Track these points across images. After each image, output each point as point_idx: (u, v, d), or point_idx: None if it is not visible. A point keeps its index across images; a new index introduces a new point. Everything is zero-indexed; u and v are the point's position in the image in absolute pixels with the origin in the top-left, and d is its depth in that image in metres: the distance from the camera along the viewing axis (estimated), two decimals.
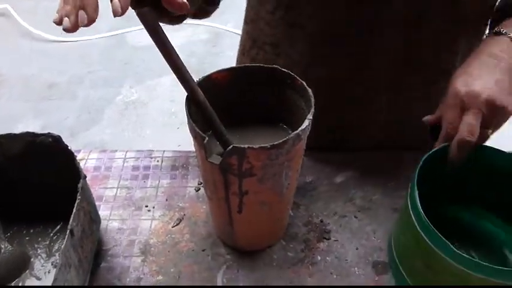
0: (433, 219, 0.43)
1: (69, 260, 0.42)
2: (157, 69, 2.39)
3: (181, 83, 0.42)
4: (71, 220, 0.43)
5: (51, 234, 0.54)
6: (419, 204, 0.44)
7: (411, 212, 0.46)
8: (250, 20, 0.65)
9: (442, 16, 0.56)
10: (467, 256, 0.40)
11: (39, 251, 0.53)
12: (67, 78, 2.39)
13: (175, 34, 2.80)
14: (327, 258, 0.55)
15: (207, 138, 0.40)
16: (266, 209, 0.48)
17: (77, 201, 0.45)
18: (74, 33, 0.32)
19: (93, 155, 0.68)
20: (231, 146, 0.39)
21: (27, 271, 0.51)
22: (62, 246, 0.41)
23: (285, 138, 0.40)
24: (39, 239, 0.54)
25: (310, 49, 0.60)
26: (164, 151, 0.69)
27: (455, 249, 0.41)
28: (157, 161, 0.67)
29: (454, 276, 0.43)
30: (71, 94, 2.29)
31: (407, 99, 0.64)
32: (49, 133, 0.49)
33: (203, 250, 0.56)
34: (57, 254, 0.52)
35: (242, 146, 0.39)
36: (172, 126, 2.11)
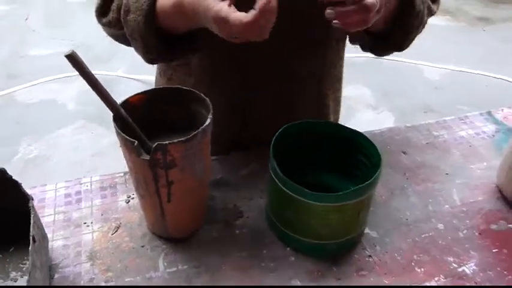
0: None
1: (35, 262, 0.51)
2: (54, 122, 2.39)
3: (108, 105, 0.54)
4: (31, 229, 0.52)
5: (5, 259, 0.61)
6: (275, 164, 0.61)
7: (272, 173, 0.63)
8: None
9: (298, 38, 0.74)
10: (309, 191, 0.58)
11: None
12: None
13: (67, 86, 2.80)
14: (244, 230, 0.69)
15: (136, 142, 0.53)
16: (190, 195, 0.62)
17: (32, 216, 0.54)
18: None
19: None
20: (156, 143, 0.52)
21: None
22: (30, 249, 0.50)
23: (195, 132, 0.54)
24: None
25: (211, 67, 0.77)
26: (92, 176, 0.79)
27: (306, 190, 0.58)
28: (87, 185, 0.77)
29: (308, 211, 0.61)
30: None
31: (288, 104, 0.82)
32: None
33: (142, 246, 0.67)
34: (13, 272, 0.60)
35: (164, 142, 0.53)
36: (78, 175, 2.11)
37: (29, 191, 0.75)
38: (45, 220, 0.70)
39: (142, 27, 0.61)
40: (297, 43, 0.75)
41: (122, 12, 0.63)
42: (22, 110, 2.48)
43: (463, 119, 0.97)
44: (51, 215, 0.72)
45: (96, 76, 0.52)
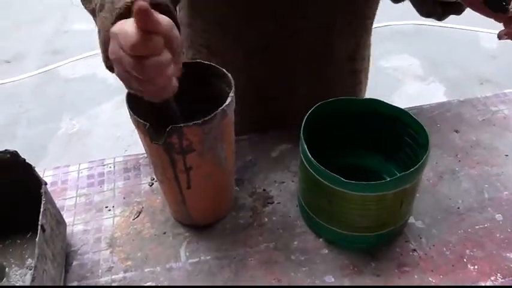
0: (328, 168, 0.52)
1: (44, 252, 0.48)
2: (96, 97, 2.40)
3: None
4: (40, 218, 0.49)
5: (23, 245, 0.59)
6: (306, 149, 0.53)
7: (303, 158, 0.55)
8: (185, 24, 0.74)
9: (346, 17, 0.69)
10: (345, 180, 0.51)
11: (12, 260, 0.57)
12: (1, 120, 2.34)
13: None
14: (273, 218, 0.63)
15: (148, 124, 0.48)
16: (211, 181, 0.56)
17: (43, 203, 0.51)
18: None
19: (48, 172, 0.73)
20: (170, 126, 0.47)
21: (4, 279, 0.55)
22: (36, 240, 0.46)
23: (213, 114, 0.48)
24: (11, 250, 0.58)
25: (238, 51, 0.70)
26: (115, 157, 0.75)
27: (342, 178, 0.51)
28: (110, 167, 0.73)
29: (345, 201, 0.53)
30: (9, 136, 2.25)
31: (325, 86, 0.75)
32: (6, 150, 0.54)
33: (164, 233, 0.63)
34: (29, 259, 0.57)
35: (179, 125, 0.47)
36: (119, 150, 2.13)
37: (52, 172, 0.73)
38: (66, 203, 0.68)
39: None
40: (335, 19, 0.69)
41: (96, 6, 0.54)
42: (64, 85, 2.51)
43: None
44: (73, 197, 0.69)
45: None
